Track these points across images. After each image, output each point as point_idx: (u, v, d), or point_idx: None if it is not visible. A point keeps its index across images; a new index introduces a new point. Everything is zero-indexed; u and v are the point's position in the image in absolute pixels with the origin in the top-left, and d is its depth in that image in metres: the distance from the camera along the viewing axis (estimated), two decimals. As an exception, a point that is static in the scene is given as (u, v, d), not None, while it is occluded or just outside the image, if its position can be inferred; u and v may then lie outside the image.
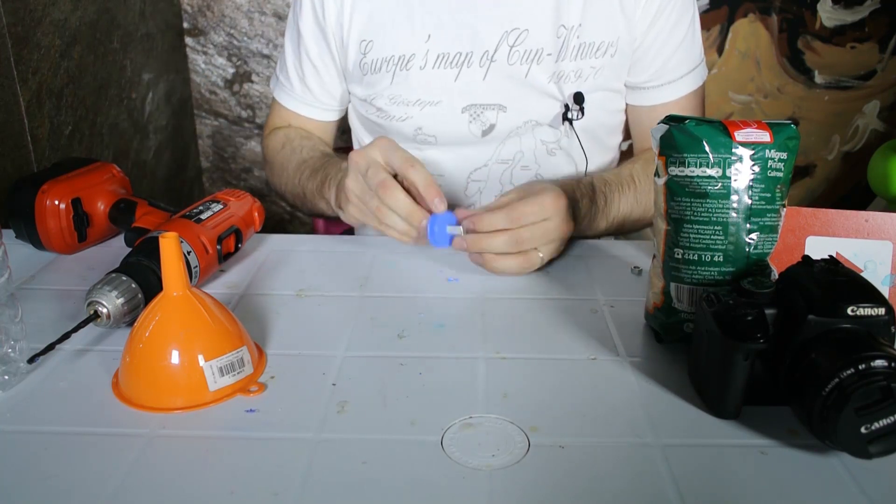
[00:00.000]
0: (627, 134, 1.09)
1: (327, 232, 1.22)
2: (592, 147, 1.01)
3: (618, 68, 0.98)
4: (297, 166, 1.00)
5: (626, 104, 1.04)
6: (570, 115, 0.97)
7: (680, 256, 0.63)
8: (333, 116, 1.08)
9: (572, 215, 0.81)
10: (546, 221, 0.77)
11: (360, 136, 1.10)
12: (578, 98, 0.97)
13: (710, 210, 0.61)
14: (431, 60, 0.95)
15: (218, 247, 0.77)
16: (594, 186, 0.90)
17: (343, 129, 1.14)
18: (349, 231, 1.15)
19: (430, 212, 0.76)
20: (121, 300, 0.65)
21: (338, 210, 0.87)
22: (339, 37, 0.99)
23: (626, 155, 1.11)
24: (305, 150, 1.02)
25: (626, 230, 0.98)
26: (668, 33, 0.97)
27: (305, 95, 1.05)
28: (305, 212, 1.03)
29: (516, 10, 0.94)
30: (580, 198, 0.86)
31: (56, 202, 0.80)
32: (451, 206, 0.78)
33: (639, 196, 0.94)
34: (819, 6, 1.75)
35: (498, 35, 0.94)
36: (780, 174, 0.61)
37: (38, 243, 0.82)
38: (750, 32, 1.78)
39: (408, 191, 0.77)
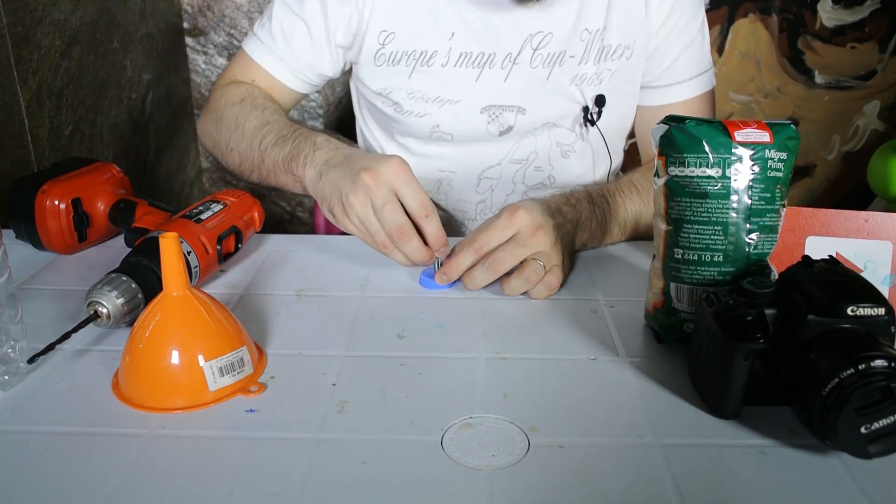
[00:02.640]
0: (628, 134, 1.09)
1: (327, 232, 1.22)
2: (604, 149, 1.01)
3: (632, 71, 0.98)
4: (258, 127, 0.91)
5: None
6: (590, 117, 0.97)
7: (680, 256, 0.63)
8: (303, 89, 1.02)
9: (550, 216, 0.77)
10: (516, 235, 0.74)
11: (369, 130, 1.08)
12: (600, 101, 0.97)
13: (710, 210, 0.61)
14: (454, 59, 0.95)
15: (218, 247, 0.77)
16: (589, 193, 0.88)
17: (343, 130, 1.14)
18: (349, 231, 1.15)
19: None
20: (121, 300, 0.65)
21: (325, 211, 0.80)
22: (354, 24, 0.96)
23: (626, 154, 1.11)
24: (269, 111, 0.94)
25: (640, 235, 0.96)
26: (678, 34, 0.97)
27: (287, 56, 0.98)
28: (253, 180, 0.95)
29: (540, 14, 0.93)
30: (573, 203, 0.84)
31: (56, 202, 0.80)
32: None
33: (644, 198, 0.93)
34: (819, 6, 1.75)
35: (522, 38, 0.94)
36: (780, 174, 0.61)
37: (38, 243, 0.82)
38: (750, 32, 1.78)
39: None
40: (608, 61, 0.96)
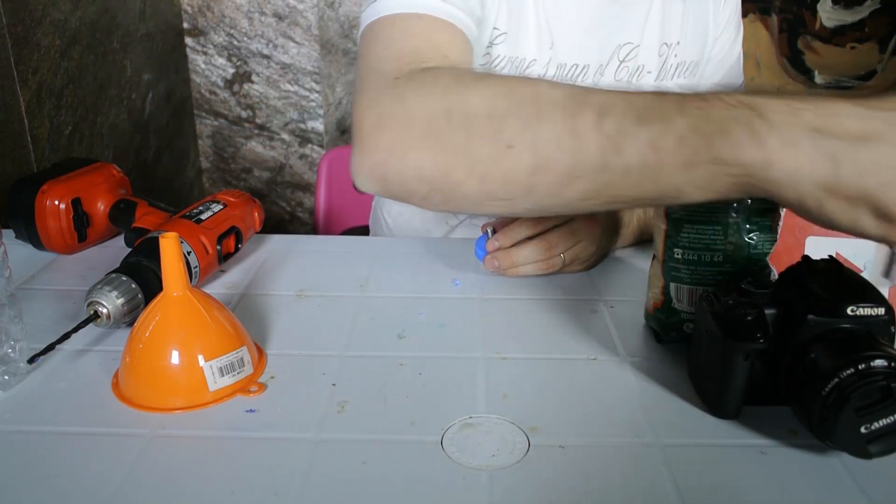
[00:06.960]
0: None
1: (327, 232, 1.22)
2: None
3: (693, 88, 0.98)
4: (575, 111, 0.55)
5: None
6: None
7: (680, 256, 0.63)
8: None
9: (610, 230, 0.82)
10: (578, 243, 0.79)
11: None
12: None
13: (709, 210, 0.61)
14: (551, 71, 0.92)
15: (218, 247, 0.77)
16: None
17: (343, 131, 1.14)
18: (349, 231, 1.15)
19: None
20: (121, 300, 0.65)
21: (871, 211, 0.49)
22: (479, 10, 0.84)
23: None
24: (549, 84, 0.58)
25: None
26: (727, 52, 0.98)
27: (475, 9, 0.81)
28: (569, 198, 0.57)
29: (631, 24, 0.92)
30: (635, 227, 0.87)
31: (56, 202, 0.80)
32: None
33: None
34: (819, 6, 1.75)
35: (612, 48, 0.93)
36: (780, 174, 0.61)
37: (38, 243, 0.82)
38: (750, 32, 1.78)
39: None
40: (680, 77, 0.95)
